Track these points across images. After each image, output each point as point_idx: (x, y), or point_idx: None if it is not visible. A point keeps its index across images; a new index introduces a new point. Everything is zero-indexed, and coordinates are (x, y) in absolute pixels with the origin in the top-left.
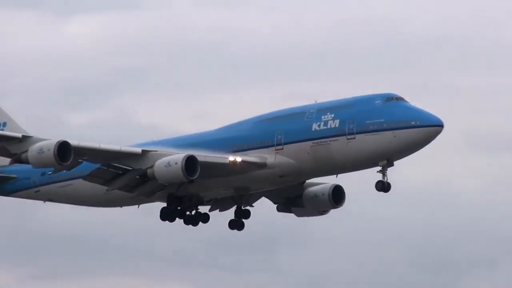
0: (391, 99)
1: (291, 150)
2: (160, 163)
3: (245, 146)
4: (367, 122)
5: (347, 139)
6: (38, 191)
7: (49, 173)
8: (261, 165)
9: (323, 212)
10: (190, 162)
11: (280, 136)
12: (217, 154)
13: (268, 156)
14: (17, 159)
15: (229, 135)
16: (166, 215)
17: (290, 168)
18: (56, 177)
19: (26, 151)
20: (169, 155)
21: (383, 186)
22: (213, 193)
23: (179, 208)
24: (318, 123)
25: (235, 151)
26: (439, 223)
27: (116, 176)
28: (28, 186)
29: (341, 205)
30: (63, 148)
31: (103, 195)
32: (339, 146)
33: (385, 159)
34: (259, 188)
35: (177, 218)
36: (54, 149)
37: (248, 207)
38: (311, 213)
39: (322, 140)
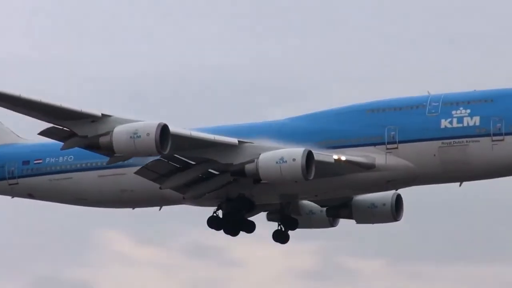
0: None
1: (409, 151)
2: (268, 159)
3: (345, 142)
4: None
5: (492, 140)
6: (16, 183)
7: (37, 162)
8: (368, 167)
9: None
10: (309, 159)
11: (393, 133)
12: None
13: (376, 156)
14: (89, 143)
15: (319, 126)
16: (217, 222)
17: (406, 172)
18: (49, 167)
19: (107, 133)
20: (269, 148)
21: None
22: (278, 197)
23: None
24: (449, 119)
25: (328, 147)
26: None
27: (180, 170)
28: (1, 177)
29: (400, 218)
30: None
31: (119, 193)
32: (480, 148)
33: None
34: (346, 194)
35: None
36: (156, 133)
37: (295, 216)
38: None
39: (456, 140)
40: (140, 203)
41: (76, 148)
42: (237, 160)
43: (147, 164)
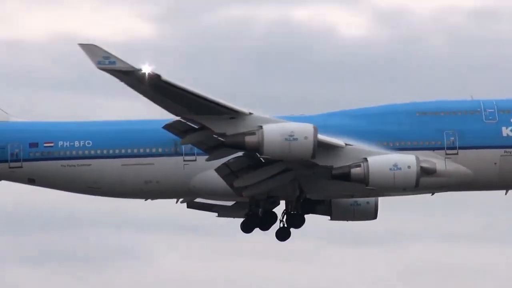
0: None
1: (470, 157)
2: (379, 164)
3: (402, 144)
4: None
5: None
6: (20, 167)
7: (47, 145)
8: (430, 172)
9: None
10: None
11: (452, 138)
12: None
13: (436, 162)
14: (231, 142)
15: (374, 127)
16: (249, 225)
17: (463, 179)
18: (63, 152)
19: (253, 133)
20: (375, 152)
21: None
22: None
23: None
24: (510, 128)
25: (390, 149)
26: None
27: (256, 168)
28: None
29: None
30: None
31: (142, 184)
32: None
33: None
34: (382, 195)
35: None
36: (314, 137)
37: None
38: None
39: None
40: (162, 195)
41: (95, 133)
42: (339, 163)
43: (228, 161)
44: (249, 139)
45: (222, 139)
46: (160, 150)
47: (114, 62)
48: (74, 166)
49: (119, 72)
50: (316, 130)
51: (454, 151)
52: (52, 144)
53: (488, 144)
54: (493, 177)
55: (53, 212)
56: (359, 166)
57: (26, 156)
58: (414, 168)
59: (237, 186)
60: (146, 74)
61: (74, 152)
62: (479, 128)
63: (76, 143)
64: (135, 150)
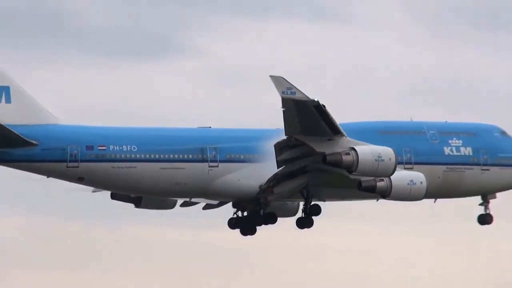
0: (505, 134)
1: (423, 172)
2: (400, 179)
3: None
4: (499, 155)
5: (482, 170)
6: (77, 167)
7: (101, 148)
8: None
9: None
10: None
11: (409, 155)
12: None
13: None
14: (331, 160)
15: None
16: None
17: None
18: (113, 155)
19: (348, 153)
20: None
21: (486, 219)
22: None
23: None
24: (450, 148)
25: None
26: None
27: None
28: (59, 159)
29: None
30: None
31: (172, 185)
32: (472, 175)
33: (498, 192)
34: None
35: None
36: (396, 158)
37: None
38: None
39: (456, 166)
40: (187, 195)
41: (139, 139)
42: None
43: (279, 171)
44: (345, 158)
45: (320, 157)
46: (190, 156)
47: (294, 93)
48: (122, 168)
49: (297, 101)
50: (395, 153)
51: (411, 166)
52: (104, 148)
53: (435, 161)
54: (436, 188)
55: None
56: (382, 180)
57: (83, 157)
58: (425, 183)
59: (276, 192)
60: (317, 104)
61: (122, 156)
62: (427, 147)
63: (124, 147)
64: (171, 156)
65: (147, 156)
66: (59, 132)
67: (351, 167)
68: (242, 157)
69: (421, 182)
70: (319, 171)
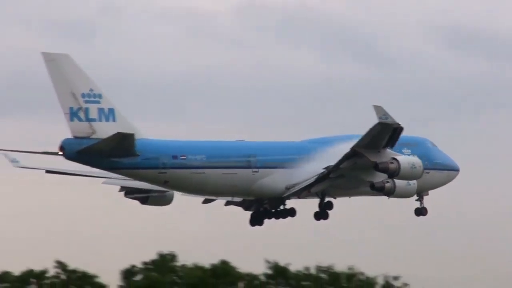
0: (434, 144)
1: None
2: (402, 182)
3: None
4: (435, 161)
5: (424, 173)
6: (165, 173)
7: (182, 157)
8: None
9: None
10: None
11: None
12: None
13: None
14: (381, 167)
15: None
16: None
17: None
18: (191, 163)
19: (392, 162)
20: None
21: (421, 212)
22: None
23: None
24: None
25: None
26: None
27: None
28: (153, 166)
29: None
30: None
31: (228, 187)
32: (423, 177)
33: (433, 189)
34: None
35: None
36: (423, 168)
37: (331, 199)
38: None
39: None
40: (235, 194)
41: (207, 149)
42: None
43: (328, 176)
44: (391, 166)
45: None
46: (240, 164)
47: (387, 118)
48: (198, 173)
49: (389, 124)
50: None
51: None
52: (185, 157)
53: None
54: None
55: None
56: (388, 182)
57: (170, 165)
58: (416, 184)
59: (312, 191)
60: (399, 127)
61: (197, 163)
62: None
63: (198, 157)
64: (227, 164)
65: (213, 163)
66: (153, 145)
67: (394, 173)
68: (274, 164)
69: (414, 183)
70: (349, 176)
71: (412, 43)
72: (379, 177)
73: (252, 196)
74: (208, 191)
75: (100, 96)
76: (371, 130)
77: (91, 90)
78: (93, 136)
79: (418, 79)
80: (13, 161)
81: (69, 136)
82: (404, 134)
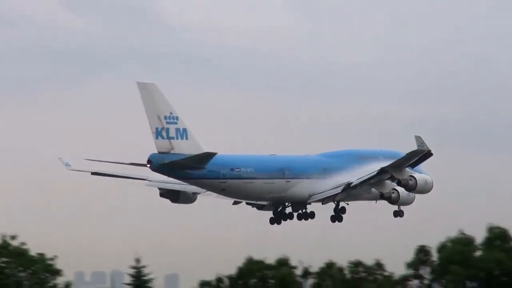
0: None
1: None
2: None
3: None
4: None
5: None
6: (225, 182)
7: (237, 170)
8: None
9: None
10: None
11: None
12: None
13: None
14: (404, 183)
15: (339, 164)
16: (275, 219)
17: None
18: (244, 174)
19: (411, 179)
20: None
21: (399, 214)
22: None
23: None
24: None
25: None
26: None
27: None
28: (215, 177)
29: None
30: None
31: (266, 194)
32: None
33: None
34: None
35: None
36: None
37: (344, 205)
38: None
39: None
40: (271, 199)
41: (254, 162)
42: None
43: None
44: (411, 182)
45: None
46: (276, 175)
47: (423, 146)
48: (248, 183)
49: (425, 152)
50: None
51: None
52: (239, 170)
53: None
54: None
55: None
56: (394, 193)
57: (229, 175)
58: (414, 194)
59: (336, 199)
60: (429, 153)
61: (248, 175)
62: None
63: (248, 169)
64: (268, 175)
65: (259, 175)
66: (214, 159)
67: (412, 187)
68: (302, 175)
69: (413, 194)
70: (366, 188)
71: None
72: (387, 188)
73: (284, 201)
74: (254, 197)
75: (177, 118)
76: (409, 155)
77: (171, 113)
78: (172, 152)
79: None
80: (66, 164)
81: (155, 151)
82: None
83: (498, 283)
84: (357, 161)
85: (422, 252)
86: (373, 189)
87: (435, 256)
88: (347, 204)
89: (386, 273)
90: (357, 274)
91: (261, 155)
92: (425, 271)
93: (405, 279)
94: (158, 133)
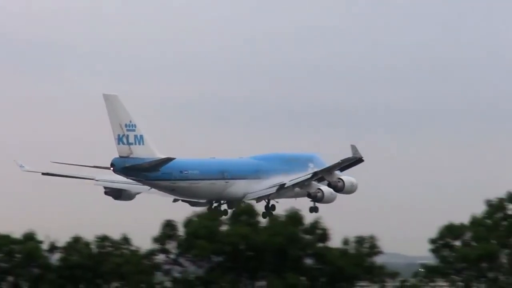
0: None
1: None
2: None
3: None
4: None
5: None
6: (175, 183)
7: (186, 172)
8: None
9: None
10: None
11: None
12: None
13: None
14: (333, 184)
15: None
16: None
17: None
18: (190, 176)
19: (339, 181)
20: None
21: (315, 209)
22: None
23: None
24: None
25: None
26: None
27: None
28: (167, 178)
29: None
30: None
31: (222, 192)
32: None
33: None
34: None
35: None
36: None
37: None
38: None
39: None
40: (213, 199)
41: (199, 165)
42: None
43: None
44: (339, 184)
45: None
46: (217, 176)
47: (357, 154)
48: (194, 184)
49: (357, 159)
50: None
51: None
52: (187, 172)
53: None
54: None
55: None
56: (319, 193)
57: (178, 177)
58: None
59: (270, 198)
60: (361, 159)
61: (194, 176)
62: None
63: (195, 171)
64: (211, 177)
65: (204, 176)
66: (171, 163)
67: (341, 189)
68: (238, 177)
69: (335, 194)
70: (295, 188)
71: None
72: (313, 188)
73: (222, 199)
74: (198, 196)
75: (135, 125)
76: (343, 161)
77: (130, 121)
78: (131, 156)
79: None
80: (20, 166)
81: (117, 155)
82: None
83: (244, 257)
84: (283, 163)
85: (169, 226)
86: (296, 188)
87: (181, 231)
88: (277, 202)
89: (132, 248)
90: (104, 248)
91: (203, 158)
92: (172, 246)
93: (151, 253)
94: (119, 140)
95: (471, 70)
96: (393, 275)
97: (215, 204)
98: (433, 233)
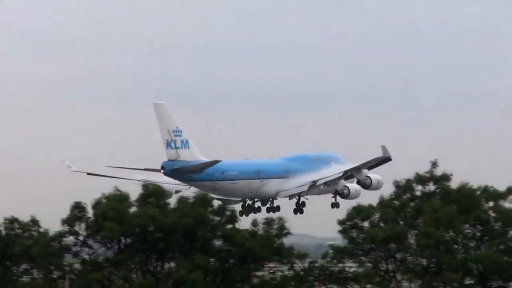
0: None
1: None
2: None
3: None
4: None
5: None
6: (217, 183)
7: (227, 173)
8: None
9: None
10: None
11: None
12: None
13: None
14: (362, 182)
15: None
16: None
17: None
18: (230, 177)
19: (368, 179)
20: None
21: (336, 205)
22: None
23: None
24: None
25: None
26: None
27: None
28: (210, 179)
29: None
30: None
31: (257, 191)
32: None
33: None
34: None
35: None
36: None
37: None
38: None
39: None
40: (249, 197)
41: (237, 166)
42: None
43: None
44: (367, 181)
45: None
46: (253, 176)
47: (387, 153)
48: (233, 184)
49: (387, 158)
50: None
51: None
52: (228, 173)
53: None
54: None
55: None
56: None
57: (220, 178)
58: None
59: (302, 196)
60: (389, 158)
61: (233, 177)
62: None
63: (234, 172)
64: (248, 177)
65: (243, 177)
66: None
67: (368, 186)
68: (271, 176)
69: (360, 190)
70: (325, 186)
71: None
72: (340, 186)
73: (256, 198)
74: (237, 195)
75: (181, 131)
76: (372, 160)
77: (177, 127)
78: (178, 159)
79: None
80: (68, 166)
81: (166, 159)
82: None
83: (153, 239)
84: (308, 162)
85: (77, 208)
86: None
87: (90, 213)
88: (306, 198)
89: (41, 230)
90: (13, 230)
91: (240, 159)
92: (80, 228)
93: (60, 235)
94: (168, 144)
95: None
96: (302, 256)
97: (248, 202)
98: (342, 214)
